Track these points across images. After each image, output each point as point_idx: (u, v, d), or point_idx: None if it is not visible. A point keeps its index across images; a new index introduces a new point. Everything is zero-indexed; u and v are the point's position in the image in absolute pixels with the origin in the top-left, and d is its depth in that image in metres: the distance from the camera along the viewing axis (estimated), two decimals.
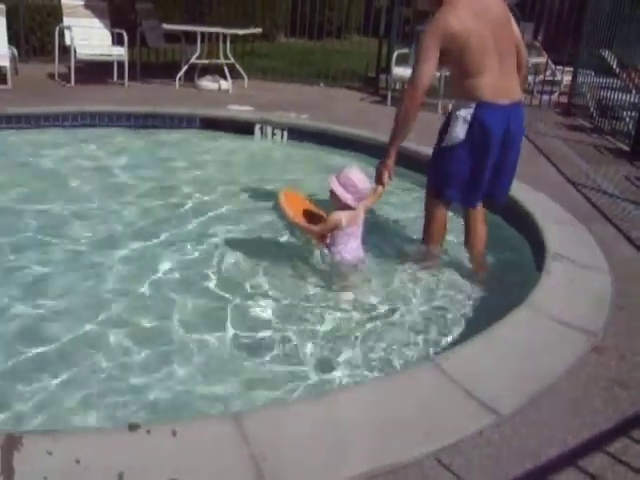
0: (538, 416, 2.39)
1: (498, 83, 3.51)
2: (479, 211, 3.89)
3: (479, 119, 3.50)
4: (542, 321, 3.09)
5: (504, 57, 3.53)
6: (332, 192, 3.69)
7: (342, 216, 3.66)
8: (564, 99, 9.79)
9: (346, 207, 3.67)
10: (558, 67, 10.34)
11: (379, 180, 3.78)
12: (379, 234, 4.39)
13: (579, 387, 2.62)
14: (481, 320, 3.38)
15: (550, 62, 10.34)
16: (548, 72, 10.28)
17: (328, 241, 3.78)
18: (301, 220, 3.88)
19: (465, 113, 3.53)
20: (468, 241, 3.95)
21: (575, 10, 9.89)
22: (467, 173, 3.64)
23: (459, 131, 3.56)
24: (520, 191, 4.84)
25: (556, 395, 2.54)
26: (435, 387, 2.52)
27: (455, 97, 3.70)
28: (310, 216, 3.95)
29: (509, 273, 4.02)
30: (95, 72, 9.06)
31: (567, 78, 10.12)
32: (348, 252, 3.75)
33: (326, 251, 3.81)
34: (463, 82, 3.54)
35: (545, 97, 9.84)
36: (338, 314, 3.42)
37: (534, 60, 9.93)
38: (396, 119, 3.63)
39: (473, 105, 3.51)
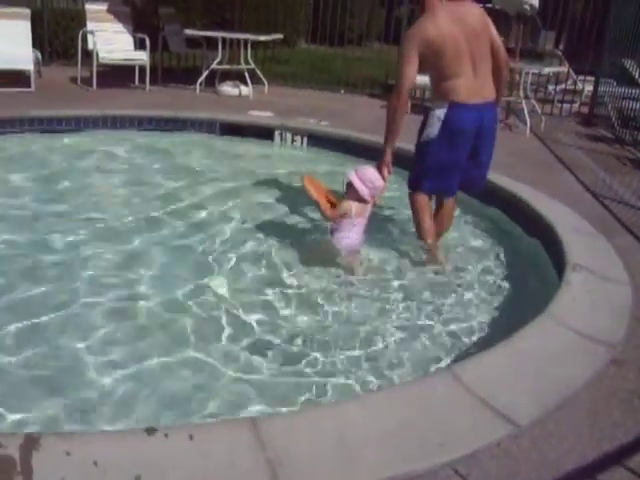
0: (557, 428, 2.37)
1: (472, 84, 3.87)
2: (451, 200, 4.30)
3: (451, 117, 3.88)
4: (561, 332, 3.07)
5: (478, 61, 3.88)
6: (350, 185, 4.00)
7: (352, 206, 3.97)
8: (585, 109, 9.72)
9: (360, 200, 3.98)
10: (580, 77, 10.29)
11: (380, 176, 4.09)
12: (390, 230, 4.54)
13: (598, 399, 2.60)
14: (498, 329, 3.39)
15: (571, 71, 10.29)
16: (569, 81, 10.24)
17: (334, 226, 4.07)
18: (322, 200, 4.13)
19: (439, 112, 3.91)
20: (437, 219, 4.26)
21: (597, 19, 9.84)
22: (442, 166, 4.01)
23: (433, 128, 3.94)
24: (539, 200, 4.84)
25: (575, 407, 2.52)
26: (452, 396, 2.51)
27: (433, 98, 4.09)
28: (326, 201, 4.19)
29: (527, 282, 4.01)
30: (117, 76, 9.13)
31: (588, 88, 10.05)
32: (348, 240, 4.02)
33: (329, 236, 4.12)
34: (440, 84, 3.92)
35: (566, 106, 9.79)
36: (352, 319, 3.44)
37: (555, 69, 9.89)
38: (386, 120, 4.01)
39: (447, 105, 3.88)
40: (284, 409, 2.62)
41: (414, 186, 4.18)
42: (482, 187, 4.37)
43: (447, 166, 4.02)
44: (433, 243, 4.16)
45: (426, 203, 4.17)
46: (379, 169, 4.06)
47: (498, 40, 4.02)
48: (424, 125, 4.03)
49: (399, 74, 3.91)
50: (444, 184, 4.14)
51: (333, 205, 4.12)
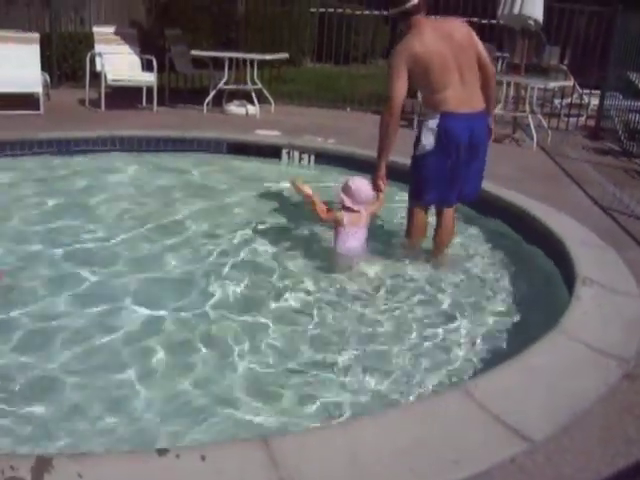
0: (571, 444, 2.35)
1: (461, 95, 3.99)
2: (451, 210, 4.37)
3: (444, 127, 3.99)
4: (573, 347, 3.06)
5: (465, 73, 4.01)
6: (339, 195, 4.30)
7: (344, 216, 4.20)
8: (591, 122, 9.73)
9: (350, 210, 4.22)
10: (585, 90, 10.30)
11: (377, 189, 4.29)
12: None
13: (612, 415, 2.58)
14: (508, 344, 3.40)
15: (577, 85, 10.30)
16: (575, 95, 10.25)
17: (335, 235, 4.29)
18: (317, 199, 4.32)
19: (432, 124, 4.02)
20: (438, 234, 4.40)
21: (602, 33, 9.87)
22: (440, 177, 4.11)
23: (428, 140, 4.04)
24: (548, 214, 4.83)
25: (589, 423, 2.50)
26: (464, 413, 2.50)
27: (424, 111, 4.18)
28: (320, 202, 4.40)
29: (537, 297, 4.00)
30: (124, 97, 9.18)
31: (594, 101, 10.06)
32: (347, 249, 4.25)
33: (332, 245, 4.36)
34: (430, 97, 4.07)
35: (572, 120, 9.80)
36: (362, 331, 3.46)
37: (561, 84, 9.90)
38: (379, 134, 4.17)
39: (438, 116, 3.99)
40: (295, 427, 2.62)
41: (413, 198, 4.33)
42: (475, 196, 4.44)
43: (443, 176, 4.11)
44: (415, 247, 4.41)
45: (422, 216, 4.35)
46: (374, 183, 4.27)
47: (485, 54, 4.14)
48: (418, 138, 4.14)
49: (389, 90, 4.04)
50: (442, 195, 4.22)
51: (328, 210, 4.33)
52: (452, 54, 3.96)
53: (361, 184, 4.26)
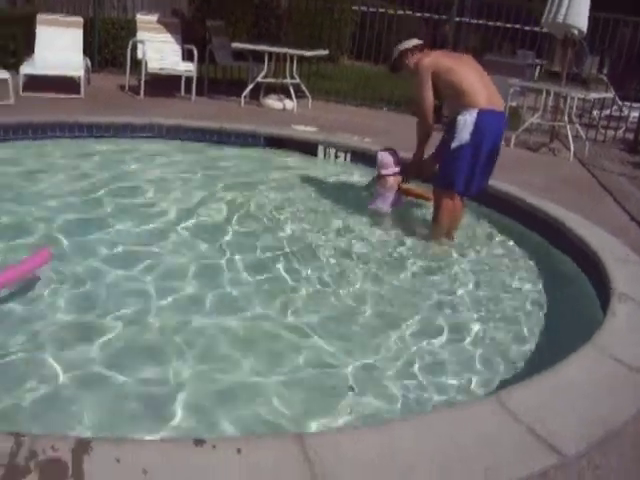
0: (604, 461, 2.34)
1: (488, 94, 4.40)
2: (463, 199, 4.73)
3: (480, 122, 4.30)
4: (607, 363, 3.03)
5: (483, 76, 4.52)
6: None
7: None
8: (630, 135, 9.62)
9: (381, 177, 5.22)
10: (626, 103, 10.19)
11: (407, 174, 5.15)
12: None
13: None
14: (541, 355, 3.39)
15: (616, 97, 10.19)
16: (614, 107, 10.14)
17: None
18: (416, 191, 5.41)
19: (469, 118, 4.31)
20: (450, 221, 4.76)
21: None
22: (470, 168, 4.42)
23: (465, 134, 4.34)
24: (584, 227, 4.78)
25: (622, 440, 2.49)
26: (497, 424, 2.49)
27: (458, 110, 4.41)
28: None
29: (571, 310, 3.97)
30: (164, 85, 9.28)
31: (634, 114, 9.96)
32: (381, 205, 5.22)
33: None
34: (459, 98, 4.39)
35: (610, 132, 9.70)
36: (392, 337, 3.45)
37: (601, 95, 9.78)
38: (418, 138, 4.82)
39: (474, 111, 4.31)
40: (331, 425, 2.64)
41: (445, 187, 4.61)
42: (482, 192, 4.78)
43: (475, 168, 4.43)
44: (442, 238, 4.75)
45: (453, 204, 4.63)
46: (406, 170, 5.10)
47: None
48: (452, 132, 4.44)
49: (420, 101, 4.63)
50: (470, 185, 4.52)
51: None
52: (466, 62, 4.57)
53: (384, 158, 5.17)
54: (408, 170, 5.12)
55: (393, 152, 5.22)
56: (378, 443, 2.28)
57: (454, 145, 4.41)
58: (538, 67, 12.95)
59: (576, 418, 2.59)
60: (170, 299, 3.60)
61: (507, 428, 2.46)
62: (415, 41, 4.81)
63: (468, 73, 4.45)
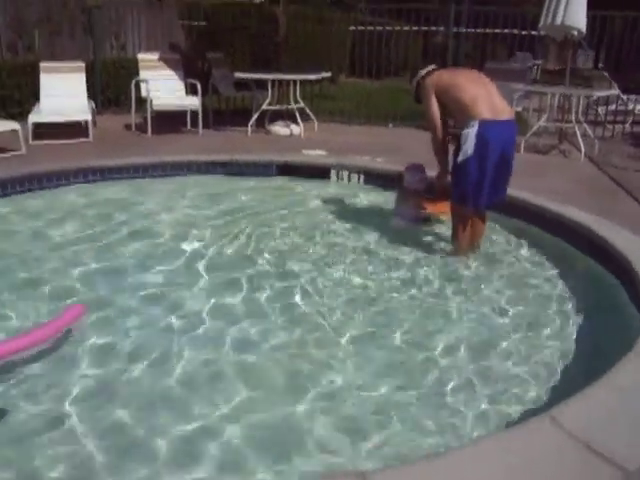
0: None
1: (491, 104, 4.42)
2: (485, 212, 4.77)
3: (482, 134, 4.32)
4: None
5: (488, 86, 4.58)
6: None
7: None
8: (637, 128, 9.62)
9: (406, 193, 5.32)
10: (631, 95, 10.19)
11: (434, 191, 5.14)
12: None
13: None
14: (578, 368, 3.35)
15: (620, 92, 10.19)
16: (619, 102, 10.14)
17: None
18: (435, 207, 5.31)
19: (471, 131, 4.33)
20: (471, 234, 4.77)
21: (637, 34, 9.76)
22: (478, 180, 4.42)
23: (468, 147, 4.36)
24: (611, 231, 4.71)
25: None
26: (554, 442, 2.46)
27: (462, 123, 4.46)
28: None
29: (605, 317, 3.93)
30: (169, 121, 9.34)
31: (639, 107, 9.96)
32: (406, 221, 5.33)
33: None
34: (463, 111, 4.43)
35: (617, 127, 9.69)
36: (442, 362, 3.43)
37: (606, 92, 9.76)
38: (434, 152, 4.85)
39: (476, 123, 4.32)
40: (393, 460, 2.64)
41: (459, 203, 4.66)
42: (502, 203, 4.80)
43: (485, 181, 4.42)
44: (463, 252, 4.74)
45: (468, 220, 4.69)
46: (437, 180, 5.02)
47: None
48: (459, 146, 4.47)
49: (428, 118, 4.76)
50: (484, 198, 4.51)
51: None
52: (467, 75, 4.69)
53: (405, 171, 5.32)
54: (436, 187, 5.12)
55: (419, 167, 5.27)
56: (442, 475, 2.27)
57: (460, 159, 4.46)
58: (536, 68, 13.03)
59: (633, 430, 2.56)
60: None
61: (564, 448, 2.42)
62: (429, 68, 4.85)
63: (468, 86, 4.51)
